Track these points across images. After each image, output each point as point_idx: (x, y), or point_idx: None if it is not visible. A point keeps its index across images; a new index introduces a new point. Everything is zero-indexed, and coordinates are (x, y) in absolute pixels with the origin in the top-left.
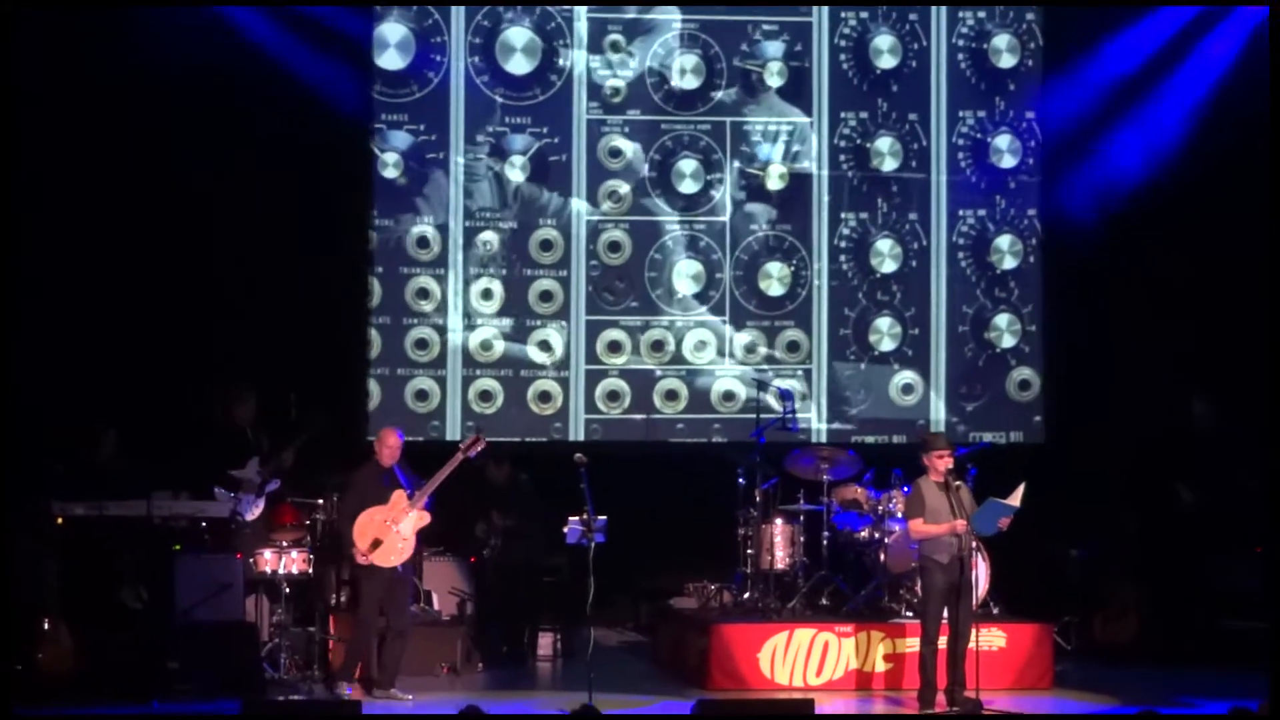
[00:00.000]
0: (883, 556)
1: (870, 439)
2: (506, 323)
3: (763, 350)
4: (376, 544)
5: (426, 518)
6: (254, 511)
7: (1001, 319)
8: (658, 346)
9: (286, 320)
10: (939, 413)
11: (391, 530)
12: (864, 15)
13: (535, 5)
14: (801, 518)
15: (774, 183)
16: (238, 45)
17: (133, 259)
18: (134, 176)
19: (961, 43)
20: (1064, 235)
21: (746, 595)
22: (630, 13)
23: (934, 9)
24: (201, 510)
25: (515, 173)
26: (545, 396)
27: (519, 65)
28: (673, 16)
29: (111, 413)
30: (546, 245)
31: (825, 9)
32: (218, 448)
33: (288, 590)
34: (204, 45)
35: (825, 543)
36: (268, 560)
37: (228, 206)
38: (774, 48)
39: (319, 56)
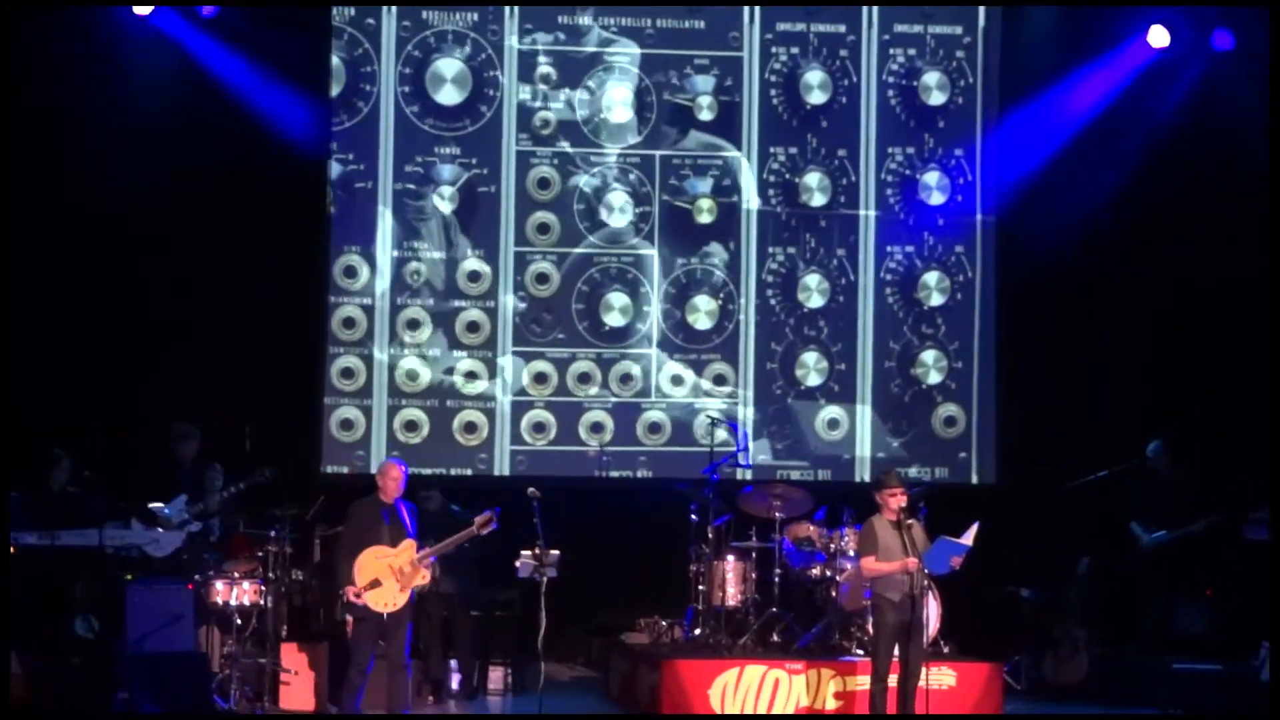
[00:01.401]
0: (834, 594)
1: (796, 474)
2: (433, 353)
3: (690, 383)
4: (374, 584)
5: (428, 578)
6: (165, 550)
7: (928, 355)
8: (585, 379)
9: (244, 351)
10: (865, 448)
11: (393, 579)
12: (794, 51)
13: (473, 5)
14: (754, 554)
15: (703, 216)
16: (192, 67)
17: (84, 282)
18: (87, 201)
19: (891, 79)
20: (1010, 272)
21: (698, 631)
22: (562, 45)
23: (864, 43)
24: (155, 540)
25: (444, 203)
26: (471, 427)
27: (449, 96)
28: (604, 49)
29: (64, 441)
30: (474, 276)
31: (756, 43)
32: (151, 480)
33: (239, 621)
34: (157, 65)
35: (777, 580)
36: (219, 591)
37: (179, 230)
38: (704, 82)
39: (275, 83)
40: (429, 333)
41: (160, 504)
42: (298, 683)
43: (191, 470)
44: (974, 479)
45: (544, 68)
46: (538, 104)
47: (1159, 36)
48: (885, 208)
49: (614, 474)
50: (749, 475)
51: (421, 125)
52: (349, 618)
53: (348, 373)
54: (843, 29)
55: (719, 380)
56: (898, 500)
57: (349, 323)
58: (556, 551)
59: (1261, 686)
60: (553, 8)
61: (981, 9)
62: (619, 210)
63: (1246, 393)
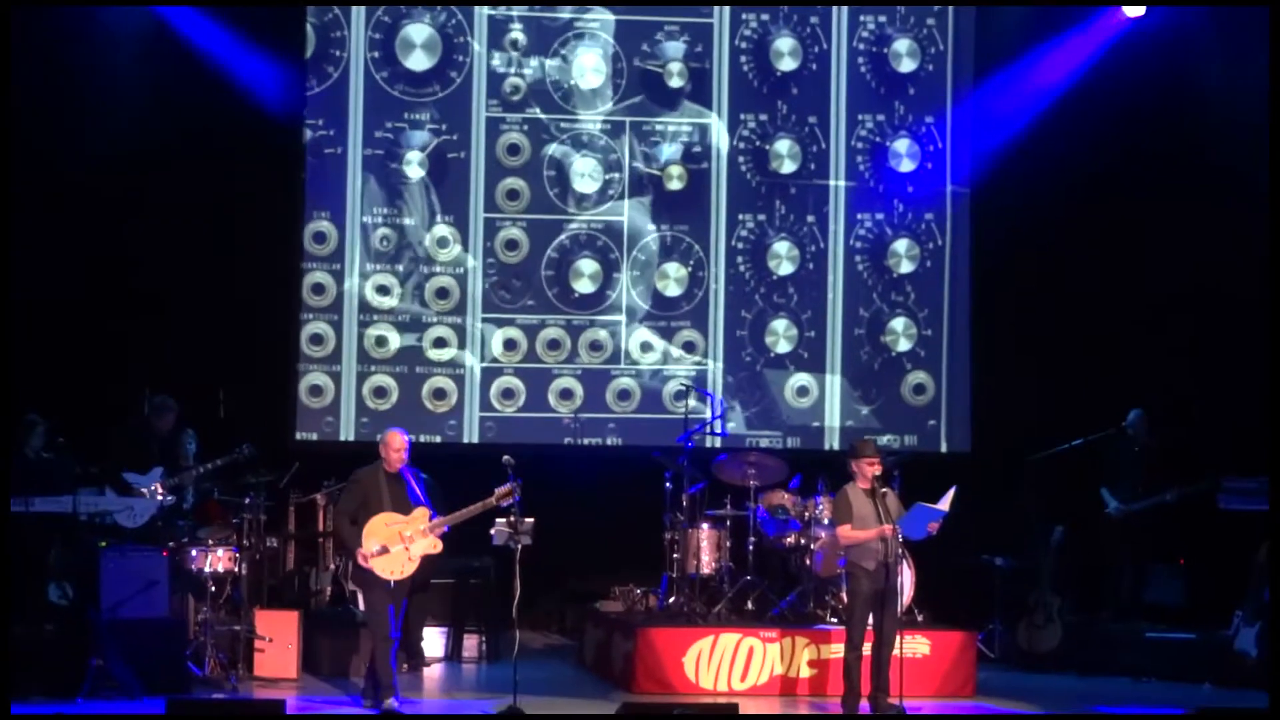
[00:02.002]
0: (809, 562)
1: (765, 441)
2: (402, 319)
3: (659, 350)
4: (383, 551)
5: (439, 547)
6: (138, 520)
7: (898, 323)
8: (554, 345)
9: (218, 318)
10: (834, 416)
11: (403, 546)
12: (765, 17)
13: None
14: (728, 522)
15: (673, 183)
16: (165, 34)
17: (57, 247)
18: (59, 166)
19: (862, 46)
20: (980, 238)
21: (672, 599)
22: (533, 11)
23: (835, 10)
24: (129, 507)
25: (413, 169)
26: (440, 394)
27: (419, 61)
28: (576, 16)
29: (39, 406)
30: (443, 242)
31: (726, 10)
32: (128, 450)
33: (213, 588)
34: (129, 30)
35: (751, 548)
36: (194, 558)
37: (153, 197)
38: (675, 48)
39: (250, 50)
40: (398, 299)
41: (136, 474)
42: (272, 650)
43: (168, 441)
44: (943, 447)
45: (515, 34)
46: (509, 70)
47: (1134, 6)
48: (855, 175)
49: (583, 441)
50: (718, 443)
51: (391, 91)
52: (328, 587)
53: (317, 339)
54: None
55: (688, 347)
56: (874, 469)
57: (318, 288)
58: (531, 519)
59: (1234, 655)
60: None
61: None
62: (589, 177)
63: (1222, 362)
